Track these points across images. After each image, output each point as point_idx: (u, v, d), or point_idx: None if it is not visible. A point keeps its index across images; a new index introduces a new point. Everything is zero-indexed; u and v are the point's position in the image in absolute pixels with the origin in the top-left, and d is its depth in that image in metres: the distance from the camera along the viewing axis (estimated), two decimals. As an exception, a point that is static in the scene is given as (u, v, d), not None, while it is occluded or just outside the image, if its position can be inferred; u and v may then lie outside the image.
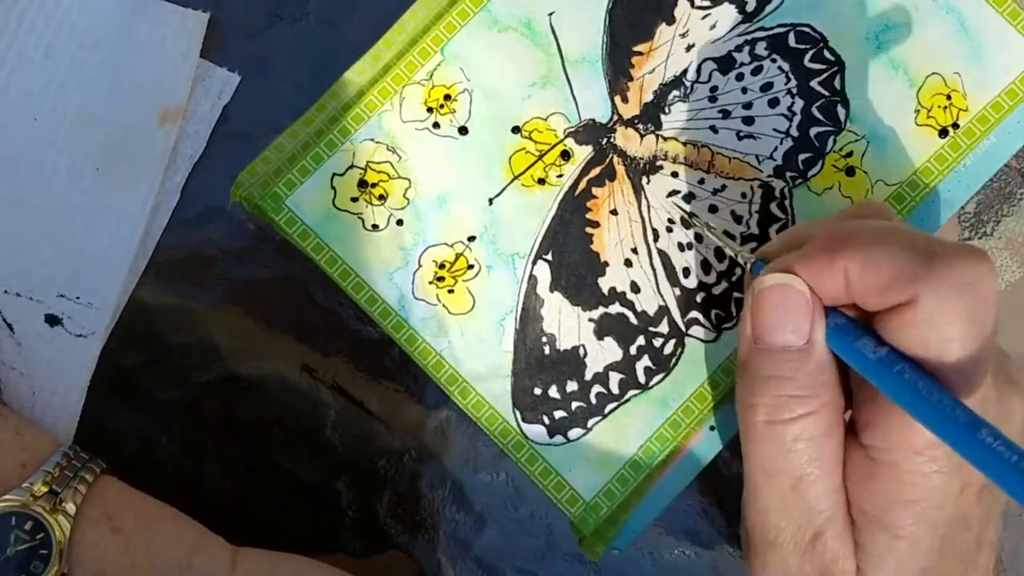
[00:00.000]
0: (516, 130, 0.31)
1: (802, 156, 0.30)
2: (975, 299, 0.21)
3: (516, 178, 0.30)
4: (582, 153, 0.31)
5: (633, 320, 0.30)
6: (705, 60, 0.31)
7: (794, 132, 0.30)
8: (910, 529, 0.23)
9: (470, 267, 0.30)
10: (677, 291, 0.30)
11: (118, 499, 0.28)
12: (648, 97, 0.31)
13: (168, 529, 0.28)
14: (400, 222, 0.30)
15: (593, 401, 0.30)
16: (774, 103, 0.30)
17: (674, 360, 0.30)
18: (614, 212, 0.31)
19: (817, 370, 0.24)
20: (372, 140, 0.30)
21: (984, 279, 0.21)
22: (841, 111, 0.30)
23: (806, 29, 0.30)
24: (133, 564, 0.27)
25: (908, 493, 0.23)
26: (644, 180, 0.31)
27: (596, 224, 0.30)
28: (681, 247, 0.30)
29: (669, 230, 0.30)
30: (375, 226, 0.30)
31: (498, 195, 0.30)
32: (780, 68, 0.30)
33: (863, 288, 0.22)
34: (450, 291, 0.30)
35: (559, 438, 0.30)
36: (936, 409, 0.20)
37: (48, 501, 0.26)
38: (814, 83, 0.30)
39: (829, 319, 0.24)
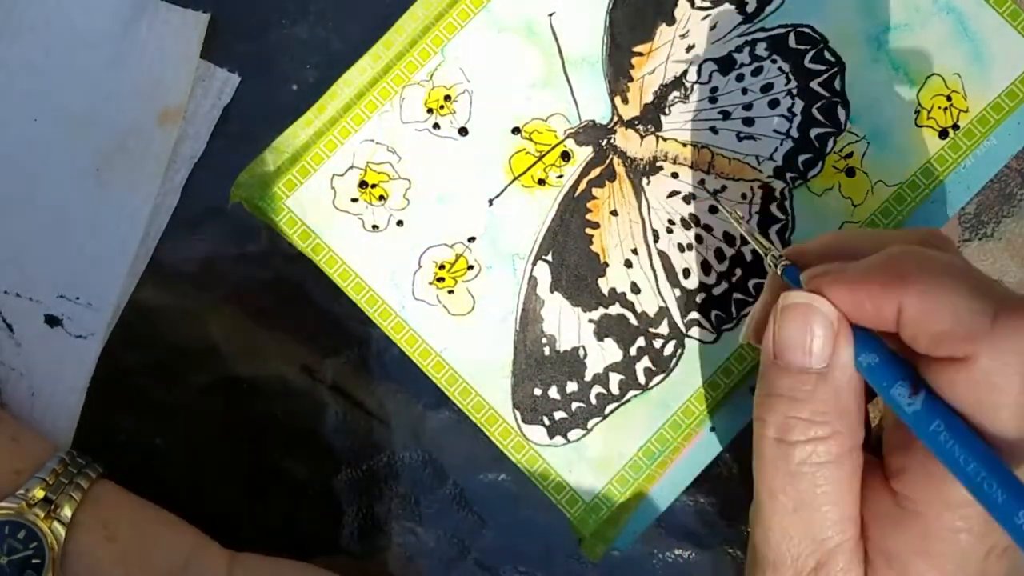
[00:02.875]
0: (516, 131, 0.31)
1: (802, 157, 0.30)
2: None
3: (516, 179, 0.30)
4: (582, 154, 0.31)
5: (633, 321, 0.30)
6: (705, 61, 0.31)
7: (794, 133, 0.30)
8: None
9: (470, 268, 0.30)
10: (677, 292, 0.30)
11: (114, 505, 0.28)
12: (648, 98, 0.31)
13: (164, 537, 0.28)
14: (400, 223, 0.30)
15: (593, 402, 0.30)
16: (774, 104, 0.30)
17: (674, 361, 0.30)
18: (614, 213, 0.30)
19: (833, 397, 0.22)
20: (372, 141, 0.30)
21: None
22: (841, 112, 0.30)
23: (806, 30, 0.30)
24: (127, 574, 0.26)
25: (933, 547, 0.22)
26: (644, 181, 0.30)
27: (596, 225, 0.30)
28: (681, 248, 0.30)
29: (669, 231, 0.30)
30: (375, 227, 0.30)
31: (498, 196, 0.30)
32: (780, 69, 0.30)
33: (915, 331, 0.21)
34: (450, 292, 0.30)
35: (559, 439, 0.30)
36: (972, 479, 0.19)
37: (43, 508, 0.26)
38: (814, 84, 0.30)
39: (862, 357, 0.22)
